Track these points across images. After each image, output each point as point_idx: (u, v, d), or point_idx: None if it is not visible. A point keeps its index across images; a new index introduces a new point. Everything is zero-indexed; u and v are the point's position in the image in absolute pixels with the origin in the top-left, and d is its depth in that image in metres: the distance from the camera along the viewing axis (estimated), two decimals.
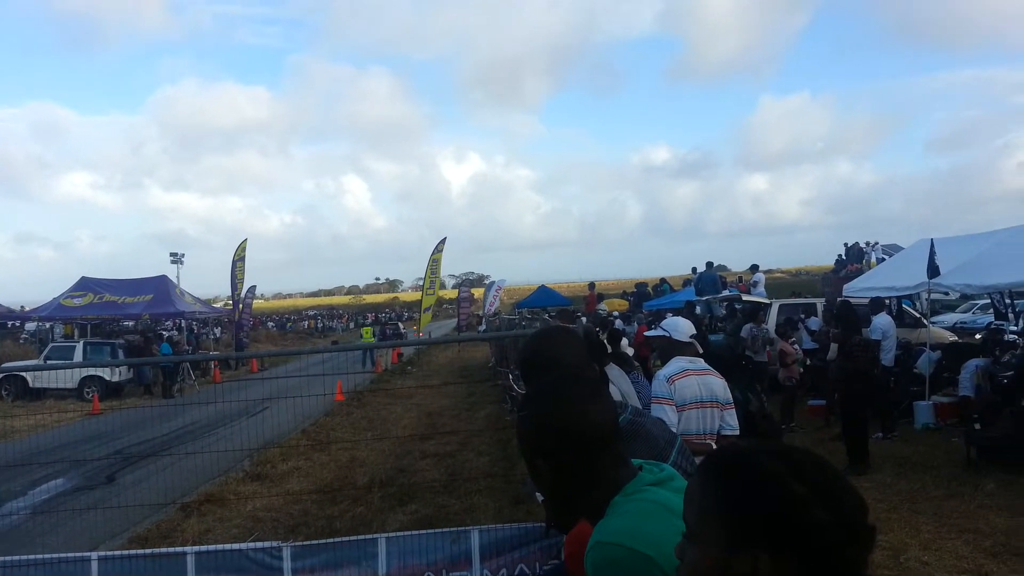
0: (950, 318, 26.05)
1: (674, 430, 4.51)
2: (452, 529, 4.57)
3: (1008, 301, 14.46)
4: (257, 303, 50.76)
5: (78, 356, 23.04)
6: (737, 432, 4.63)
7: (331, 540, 4.47)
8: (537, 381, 2.05)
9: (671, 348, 4.72)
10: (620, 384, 5.60)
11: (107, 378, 22.83)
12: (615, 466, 1.69)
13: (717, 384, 4.61)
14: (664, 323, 4.93)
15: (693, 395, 4.50)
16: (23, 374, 22.33)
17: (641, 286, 32.11)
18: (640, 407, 5.31)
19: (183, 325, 30.89)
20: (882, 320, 11.55)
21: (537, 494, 2.35)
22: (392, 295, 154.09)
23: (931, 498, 7.82)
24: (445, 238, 31.63)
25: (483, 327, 40.58)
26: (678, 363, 4.62)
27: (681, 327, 4.81)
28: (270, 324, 69.84)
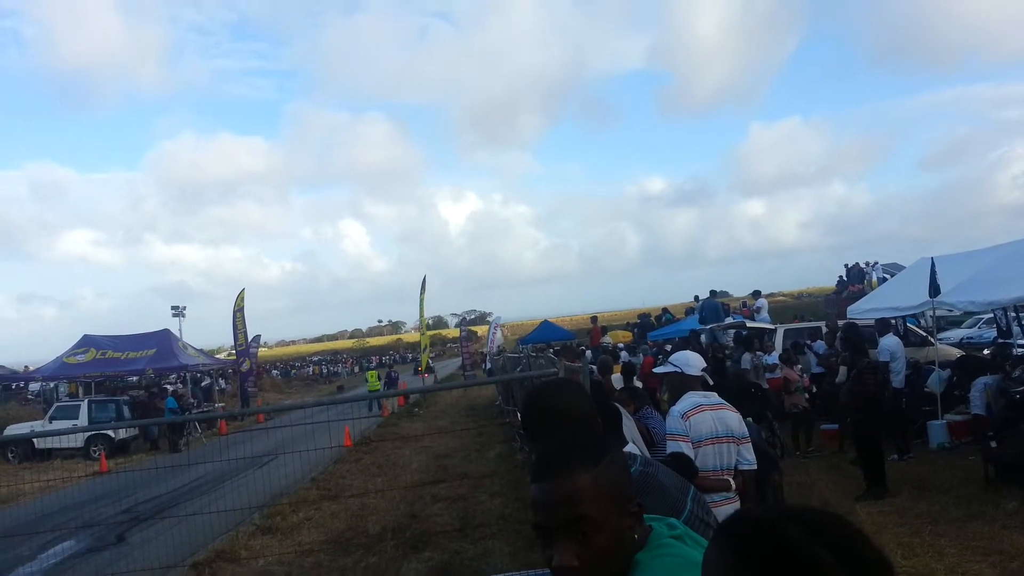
0: (956, 334, 25.97)
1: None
2: None
3: (1013, 314, 14.41)
4: (261, 351, 50.70)
5: (83, 415, 22.97)
6: (755, 467, 4.57)
7: None
8: (544, 438, 1.98)
9: (683, 384, 4.66)
10: (628, 428, 5.54)
11: (113, 436, 22.69)
12: (640, 523, 1.59)
13: (732, 418, 4.56)
14: (673, 358, 4.86)
15: (709, 431, 4.44)
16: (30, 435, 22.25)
17: (644, 316, 32.08)
18: (647, 455, 5.25)
19: (187, 378, 30.82)
20: (890, 341, 11.51)
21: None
22: (395, 336, 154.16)
23: (952, 520, 7.71)
24: (425, 276, 31.88)
25: (488, 365, 40.55)
26: (691, 399, 4.55)
27: (691, 361, 4.75)
28: (274, 372, 69.65)
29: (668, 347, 19.33)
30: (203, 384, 37.49)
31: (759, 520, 1.14)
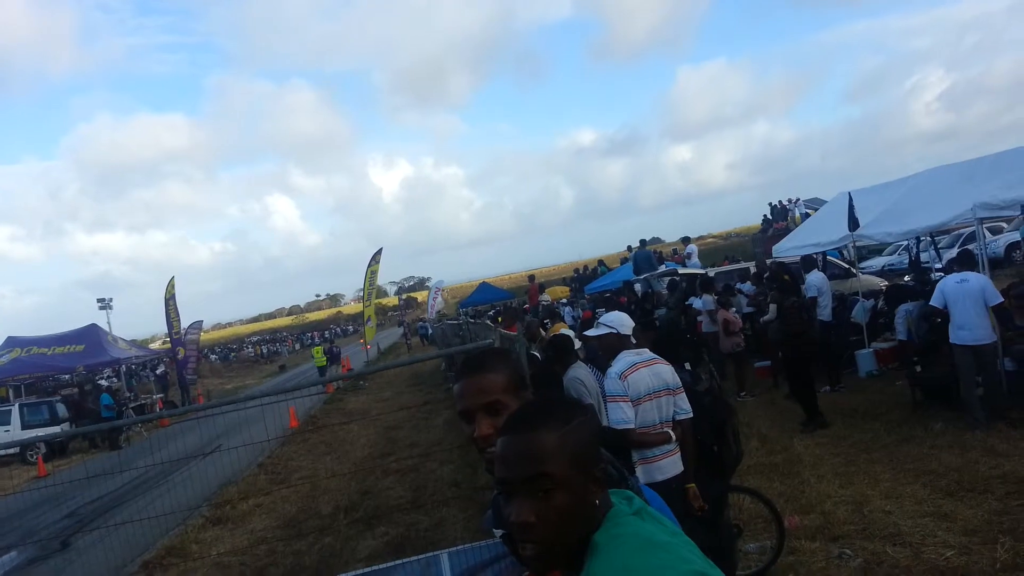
0: (878, 262, 26.85)
1: (631, 426, 4.53)
2: (421, 556, 4.50)
3: (929, 239, 14.90)
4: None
5: (15, 418, 22.15)
6: (691, 415, 4.67)
7: None
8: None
9: (619, 343, 4.72)
10: (589, 383, 5.58)
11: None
12: (602, 490, 1.54)
13: (665, 371, 4.65)
14: (605, 319, 4.90)
15: (647, 387, 4.53)
16: None
17: (580, 270, 32.29)
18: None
19: (121, 372, 29.98)
20: (815, 277, 11.83)
21: (495, 530, 2.03)
22: (335, 310, 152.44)
23: (885, 445, 8.04)
24: (381, 249, 31.20)
25: (429, 330, 40.47)
26: (627, 358, 4.62)
27: (624, 320, 4.82)
28: (213, 356, 68.29)
29: (603, 305, 19.53)
30: (159, 372, 36.59)
31: None
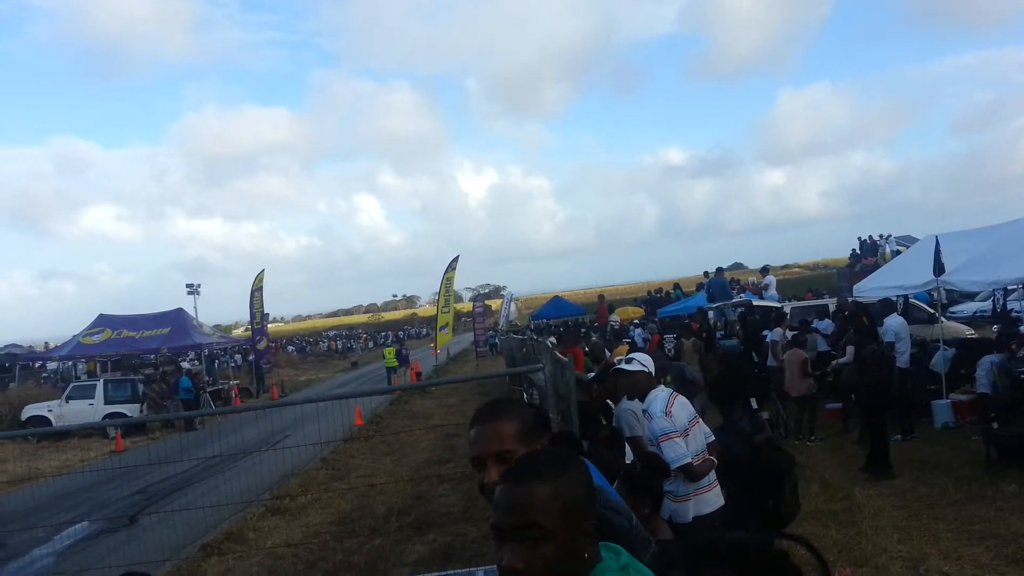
0: (970, 307, 25.74)
1: (691, 459, 4.52)
2: (456, 571, 4.59)
3: (1022, 288, 14.27)
4: (277, 326, 51.17)
5: (98, 394, 23.26)
6: (712, 438, 4.81)
7: None
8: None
9: (647, 384, 4.83)
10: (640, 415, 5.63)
11: (129, 414, 22.98)
12: (593, 544, 1.60)
13: (686, 400, 4.88)
14: (640, 357, 5.01)
15: (687, 416, 4.73)
16: (47, 415, 22.59)
17: (652, 292, 32.00)
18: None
19: (203, 356, 31.13)
20: (893, 322, 11.44)
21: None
22: (410, 311, 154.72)
23: (951, 503, 7.72)
24: (458, 256, 31.69)
25: (495, 340, 40.71)
26: (661, 393, 4.77)
27: (648, 361, 4.97)
28: (290, 348, 70.17)
29: (674, 330, 19.30)
30: (250, 359, 37.58)
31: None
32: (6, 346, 43.44)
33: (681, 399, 4.75)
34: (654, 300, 29.70)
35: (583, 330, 22.89)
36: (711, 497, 4.60)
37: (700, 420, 4.81)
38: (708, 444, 4.72)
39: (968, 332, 16.01)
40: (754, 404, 8.62)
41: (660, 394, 4.70)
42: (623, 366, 4.91)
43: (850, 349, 10.97)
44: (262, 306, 33.32)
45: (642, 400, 4.76)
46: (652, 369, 4.90)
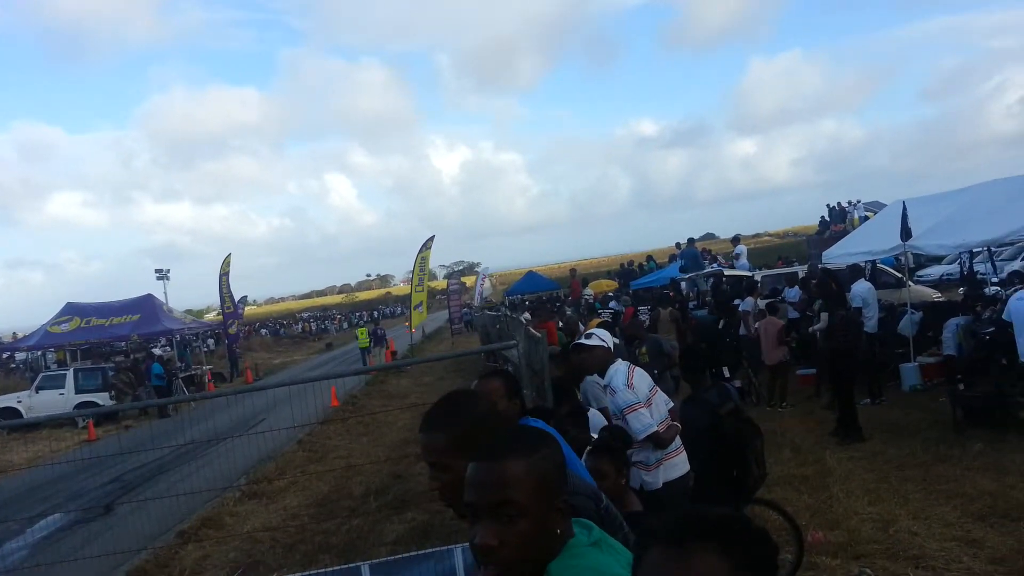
0: (936, 271, 26.14)
1: (657, 428, 4.58)
2: (435, 549, 4.61)
3: (986, 251, 14.49)
4: (250, 309, 50.73)
5: (69, 383, 22.96)
6: (672, 404, 4.93)
7: (313, 572, 4.49)
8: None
9: (606, 358, 4.86)
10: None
11: (101, 403, 22.72)
12: (565, 519, 1.60)
13: (644, 372, 4.96)
14: (600, 333, 5.08)
15: (647, 385, 4.76)
16: (16, 406, 22.28)
17: (626, 264, 32.11)
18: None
19: (175, 342, 30.81)
20: (861, 287, 11.56)
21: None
22: (384, 290, 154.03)
23: (919, 464, 7.87)
24: (433, 236, 31.54)
25: (468, 316, 40.70)
26: (620, 365, 4.79)
27: (607, 336, 5.05)
28: (263, 331, 69.67)
29: (650, 302, 19.38)
30: (225, 343, 37.11)
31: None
32: None
33: (639, 371, 4.80)
34: (627, 272, 29.80)
35: (557, 305, 22.92)
36: (679, 462, 4.71)
37: (659, 389, 4.86)
38: (669, 411, 4.81)
39: (935, 296, 16.25)
40: (726, 373, 8.69)
41: (620, 367, 4.75)
42: (582, 341, 4.96)
43: (824, 316, 11.08)
44: (231, 290, 33.01)
45: (602, 376, 4.80)
46: (611, 344, 4.94)
